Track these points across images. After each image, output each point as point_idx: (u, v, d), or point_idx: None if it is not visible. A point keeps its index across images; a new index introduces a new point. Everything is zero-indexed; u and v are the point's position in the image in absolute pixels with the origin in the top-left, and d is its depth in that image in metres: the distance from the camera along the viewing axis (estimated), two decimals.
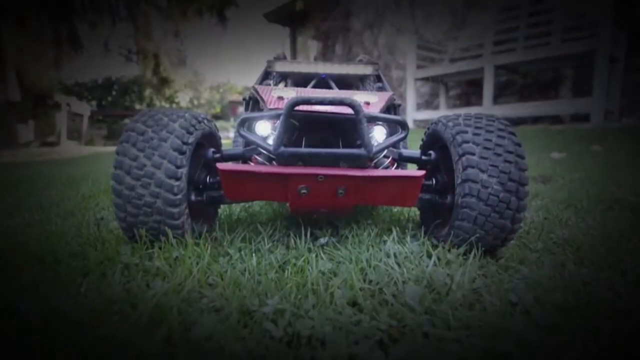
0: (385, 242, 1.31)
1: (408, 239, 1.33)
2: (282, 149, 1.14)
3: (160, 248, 1.23)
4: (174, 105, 32.82)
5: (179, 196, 1.20)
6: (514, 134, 1.24)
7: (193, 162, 1.34)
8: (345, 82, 2.05)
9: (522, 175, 1.17)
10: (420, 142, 1.57)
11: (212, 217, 1.55)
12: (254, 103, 1.66)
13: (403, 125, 1.22)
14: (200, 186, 1.42)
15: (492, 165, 1.17)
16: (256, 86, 1.47)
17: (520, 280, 1.05)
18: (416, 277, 1.05)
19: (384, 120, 1.21)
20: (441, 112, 9.55)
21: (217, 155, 1.45)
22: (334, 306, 0.89)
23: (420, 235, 1.36)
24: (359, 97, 1.34)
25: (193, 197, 1.36)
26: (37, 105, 15.61)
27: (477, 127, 1.24)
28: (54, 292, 0.96)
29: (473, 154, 1.19)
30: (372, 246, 1.29)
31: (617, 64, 7.32)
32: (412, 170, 1.23)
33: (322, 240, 1.43)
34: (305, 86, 2.11)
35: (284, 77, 2.04)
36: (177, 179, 1.19)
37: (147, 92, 30.62)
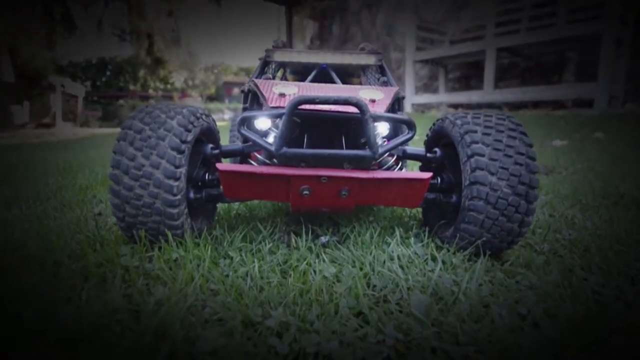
0: (388, 243, 1.28)
1: (412, 240, 1.31)
2: (285, 149, 1.11)
3: (160, 249, 1.21)
4: (168, 86, 32.41)
5: (178, 197, 1.17)
6: (524, 134, 1.20)
7: (192, 158, 1.31)
8: (346, 72, 2.00)
9: (532, 178, 1.14)
10: (425, 138, 1.54)
11: (211, 213, 1.52)
12: (253, 96, 1.61)
13: (410, 125, 1.18)
14: (199, 183, 1.38)
15: (502, 168, 1.14)
16: (256, 80, 1.42)
17: (528, 289, 1.03)
18: (421, 284, 1.03)
19: (391, 120, 1.17)
20: (440, 96, 9.45)
21: (216, 151, 1.41)
22: (339, 318, 0.87)
23: (424, 236, 1.34)
24: (363, 93, 1.30)
25: (192, 195, 1.33)
26: (31, 86, 15.41)
27: (486, 127, 1.20)
28: (54, 299, 0.94)
29: (482, 155, 1.15)
30: (375, 247, 1.27)
31: (623, 48, 7.21)
32: (419, 172, 1.20)
33: (323, 240, 1.41)
34: (306, 75, 2.06)
35: (283, 66, 1.99)
36: (176, 179, 1.15)
37: (141, 73, 30.26)
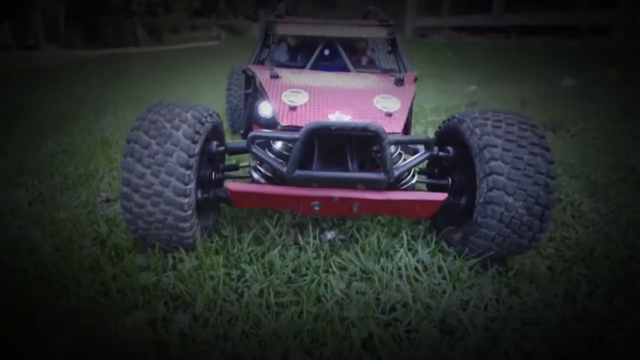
0: (396, 249, 1.31)
1: (419, 245, 1.32)
2: (297, 173, 1.08)
3: (174, 258, 1.24)
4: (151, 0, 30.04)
5: (189, 212, 1.16)
6: (547, 149, 1.14)
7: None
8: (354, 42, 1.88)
9: (550, 198, 1.11)
10: (437, 130, 1.49)
11: (218, 206, 1.51)
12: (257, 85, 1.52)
13: (428, 145, 1.13)
14: (207, 182, 1.36)
15: (519, 189, 1.11)
16: (262, 79, 1.32)
17: (532, 309, 1.07)
18: (429, 307, 1.07)
19: (409, 143, 1.12)
20: (444, 19, 8.87)
21: (221, 148, 1.37)
22: (353, 354, 0.92)
23: (432, 240, 1.35)
24: (379, 103, 1.22)
25: (200, 195, 1.31)
26: (10, 4, 14.44)
27: (508, 140, 1.14)
28: (85, 332, 0.98)
29: (501, 175, 1.11)
30: (383, 255, 1.29)
31: None
32: (433, 194, 1.17)
33: (329, 236, 1.43)
34: (308, 43, 1.93)
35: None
36: (186, 195, 1.14)
37: None
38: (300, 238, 1.39)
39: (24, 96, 4.55)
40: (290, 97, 1.22)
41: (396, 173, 1.09)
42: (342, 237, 1.43)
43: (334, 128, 1.01)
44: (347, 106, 1.19)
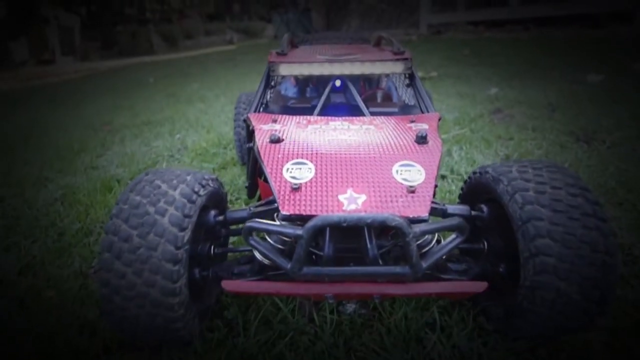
0: (426, 333, 1.12)
1: (454, 323, 1.14)
2: (304, 270, 0.90)
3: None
4: (165, 7, 30.32)
5: (181, 311, 0.99)
6: (604, 219, 0.93)
7: (195, 230, 1.09)
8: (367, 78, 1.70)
9: (610, 280, 0.90)
10: (466, 180, 1.29)
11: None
12: None
13: (461, 230, 0.94)
14: (205, 258, 1.20)
15: (573, 272, 0.90)
16: (260, 144, 1.15)
17: None
18: None
19: (437, 231, 0.93)
20: (459, 14, 8.54)
21: (220, 218, 1.21)
22: None
23: (468, 316, 1.16)
24: (398, 175, 1.01)
25: (197, 274, 1.14)
26: (25, 19, 14.71)
27: (556, 210, 0.92)
28: None
29: (550, 256, 0.91)
30: (412, 339, 1.11)
31: None
32: (472, 283, 0.97)
33: (349, 309, 1.26)
34: (318, 85, 1.77)
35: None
36: (176, 294, 0.96)
37: None
38: (315, 314, 1.22)
39: (31, 121, 4.49)
40: (293, 172, 1.03)
41: (425, 265, 0.90)
42: (363, 311, 1.25)
43: (345, 225, 0.83)
44: (361, 181, 0.99)
